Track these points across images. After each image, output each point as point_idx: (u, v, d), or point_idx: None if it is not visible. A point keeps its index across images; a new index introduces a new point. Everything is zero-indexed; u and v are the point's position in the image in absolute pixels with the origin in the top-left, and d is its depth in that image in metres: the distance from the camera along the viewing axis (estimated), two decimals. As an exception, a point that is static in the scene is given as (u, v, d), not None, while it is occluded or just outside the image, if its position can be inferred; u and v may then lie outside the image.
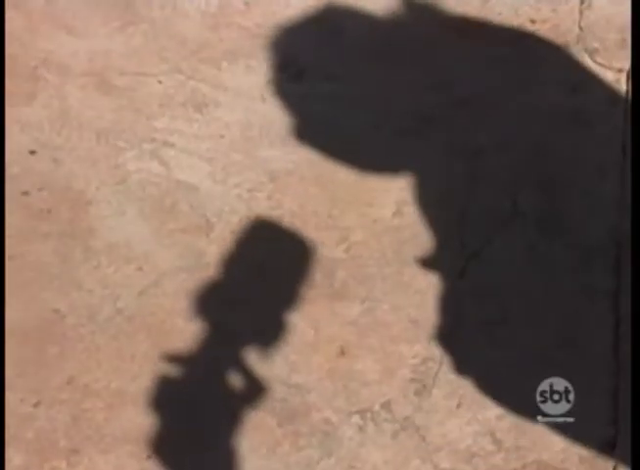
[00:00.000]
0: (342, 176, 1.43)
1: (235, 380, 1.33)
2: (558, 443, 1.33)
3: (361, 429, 1.35)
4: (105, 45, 1.46)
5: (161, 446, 1.32)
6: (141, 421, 1.33)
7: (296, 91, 1.46)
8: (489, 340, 1.37)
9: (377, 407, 1.35)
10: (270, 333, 1.36)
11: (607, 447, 1.34)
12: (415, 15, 1.48)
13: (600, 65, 1.46)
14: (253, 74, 1.47)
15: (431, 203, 1.42)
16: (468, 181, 1.43)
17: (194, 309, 1.37)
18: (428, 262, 1.35)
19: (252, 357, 1.34)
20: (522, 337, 1.37)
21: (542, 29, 1.47)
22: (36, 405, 1.33)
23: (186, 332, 1.36)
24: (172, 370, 1.34)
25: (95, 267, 1.38)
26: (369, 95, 1.46)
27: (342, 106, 1.46)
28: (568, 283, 1.39)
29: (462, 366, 1.36)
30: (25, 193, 1.40)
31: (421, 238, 1.41)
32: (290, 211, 1.41)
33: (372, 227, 1.41)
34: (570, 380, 1.33)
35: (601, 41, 1.47)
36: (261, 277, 1.38)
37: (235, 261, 1.38)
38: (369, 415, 1.35)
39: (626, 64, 1.44)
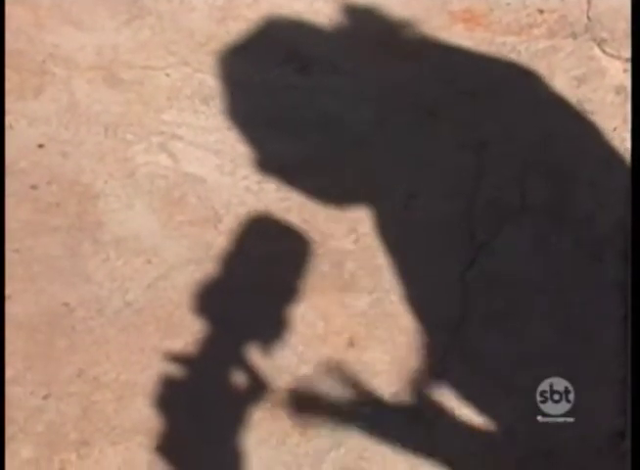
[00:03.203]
0: (350, 169, 1.43)
1: (244, 371, 1.33)
2: (568, 434, 1.33)
3: (371, 419, 1.35)
4: (112, 39, 1.46)
5: (171, 436, 1.32)
6: (150, 412, 1.33)
7: (301, 84, 1.46)
8: (498, 331, 1.37)
9: (386, 398, 1.35)
10: (279, 324, 1.36)
11: (617, 438, 1.33)
12: (421, 7, 1.48)
13: (608, 54, 1.46)
14: (260, 67, 1.47)
15: (439, 195, 1.42)
16: (475, 173, 1.43)
17: (203, 301, 1.37)
18: None
19: (262, 349, 1.34)
20: (530, 328, 1.37)
21: (550, 19, 1.47)
22: (46, 398, 1.34)
23: (195, 324, 1.36)
24: (181, 362, 1.34)
25: (104, 260, 1.38)
26: (375, 88, 1.46)
27: (347, 98, 1.46)
28: (576, 275, 1.39)
29: (470, 357, 1.36)
30: (34, 187, 1.41)
31: (429, 230, 1.41)
32: (298, 202, 1.42)
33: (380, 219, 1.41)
34: (578, 371, 1.33)
35: (609, 31, 1.46)
36: (270, 269, 1.38)
37: (243, 253, 1.38)
38: (378, 406, 1.35)
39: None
